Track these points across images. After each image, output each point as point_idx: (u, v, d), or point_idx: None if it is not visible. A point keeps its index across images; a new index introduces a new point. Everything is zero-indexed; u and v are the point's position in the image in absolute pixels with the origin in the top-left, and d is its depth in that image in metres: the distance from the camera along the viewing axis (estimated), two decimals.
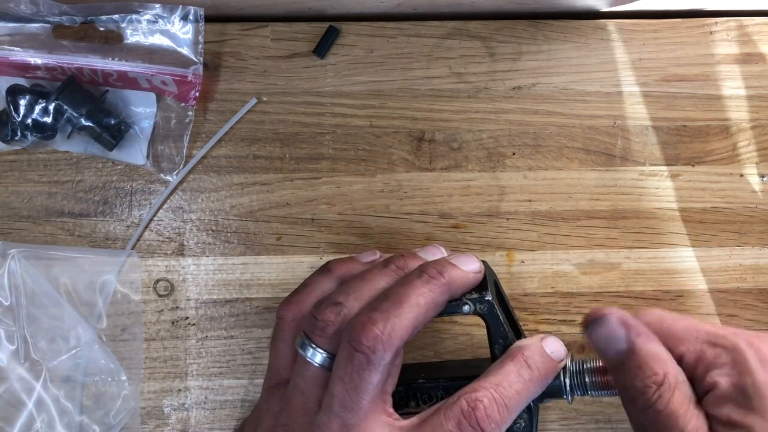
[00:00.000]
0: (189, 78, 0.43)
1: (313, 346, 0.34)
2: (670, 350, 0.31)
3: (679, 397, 0.29)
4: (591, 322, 0.32)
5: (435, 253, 0.37)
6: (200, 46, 0.43)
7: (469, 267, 0.34)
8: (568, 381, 0.33)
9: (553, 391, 0.34)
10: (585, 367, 0.33)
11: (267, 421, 0.36)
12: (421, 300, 0.32)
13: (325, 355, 0.33)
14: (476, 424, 0.30)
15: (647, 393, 0.29)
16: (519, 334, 0.36)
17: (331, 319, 0.33)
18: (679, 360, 0.31)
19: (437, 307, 0.33)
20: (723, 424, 0.29)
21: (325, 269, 0.38)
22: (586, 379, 0.33)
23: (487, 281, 0.35)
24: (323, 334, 0.33)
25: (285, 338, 0.36)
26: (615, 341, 0.31)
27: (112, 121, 0.43)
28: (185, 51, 0.43)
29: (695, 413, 0.29)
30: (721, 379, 0.30)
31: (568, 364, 0.34)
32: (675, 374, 0.30)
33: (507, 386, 0.31)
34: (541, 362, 0.33)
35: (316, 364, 0.33)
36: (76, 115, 0.42)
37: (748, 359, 0.29)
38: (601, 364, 0.33)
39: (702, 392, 0.30)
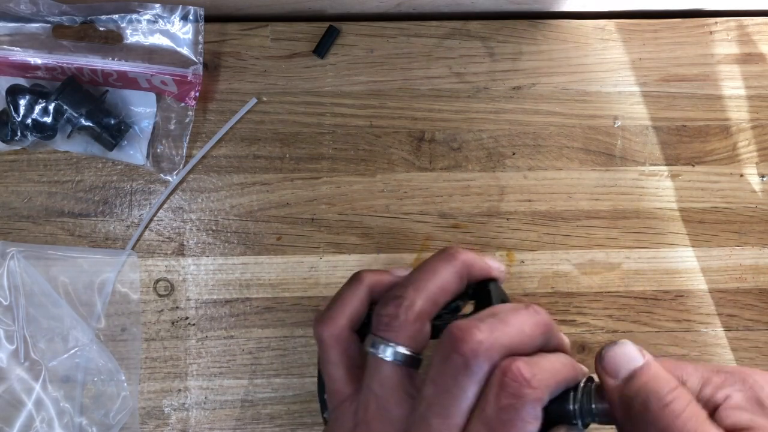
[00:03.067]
0: (189, 78, 0.43)
1: (383, 341, 0.33)
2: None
3: (694, 407, 0.29)
4: (607, 346, 0.31)
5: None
6: (200, 46, 0.43)
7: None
8: (577, 406, 0.32)
9: (562, 417, 0.32)
10: (594, 389, 0.32)
11: None
12: (526, 329, 0.32)
13: (396, 350, 0.32)
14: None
15: (664, 400, 0.29)
16: None
17: (393, 311, 0.33)
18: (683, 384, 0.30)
19: (535, 346, 0.33)
20: (742, 429, 0.28)
21: (354, 279, 0.37)
22: (594, 406, 0.32)
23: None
24: (389, 328, 0.33)
25: (331, 359, 0.35)
26: (631, 359, 0.30)
27: (112, 121, 0.43)
28: (185, 51, 0.43)
29: (712, 425, 0.29)
30: (734, 393, 0.29)
31: (581, 386, 0.32)
32: (687, 390, 0.30)
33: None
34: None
35: (389, 360, 0.32)
36: (76, 115, 0.42)
37: (758, 380, 0.29)
38: None
39: (711, 408, 0.30)
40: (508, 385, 0.30)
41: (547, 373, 0.31)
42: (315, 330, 0.36)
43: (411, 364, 0.33)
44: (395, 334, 0.33)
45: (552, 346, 0.33)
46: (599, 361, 0.31)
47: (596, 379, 0.32)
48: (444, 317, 0.34)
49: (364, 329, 0.35)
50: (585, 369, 0.33)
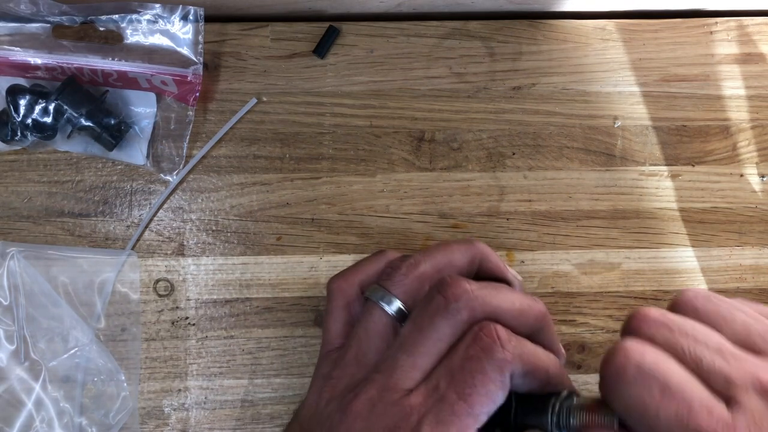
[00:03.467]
0: (189, 78, 0.43)
1: (380, 289, 0.33)
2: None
3: None
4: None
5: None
6: (200, 46, 0.43)
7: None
8: (555, 419, 0.30)
9: (538, 425, 0.31)
10: (574, 403, 0.30)
11: (316, 384, 0.34)
12: (517, 303, 0.32)
13: (390, 299, 0.33)
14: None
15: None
16: None
17: (398, 265, 0.34)
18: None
19: (524, 326, 0.32)
20: None
21: (378, 252, 0.38)
22: (572, 420, 0.30)
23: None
24: (389, 278, 0.34)
25: (332, 310, 0.36)
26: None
27: (112, 121, 0.43)
28: (185, 51, 0.43)
29: None
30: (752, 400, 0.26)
31: (563, 396, 0.31)
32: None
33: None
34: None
35: (380, 308, 0.33)
36: (76, 115, 0.42)
37: None
38: (592, 402, 0.30)
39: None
40: (481, 339, 0.30)
41: (526, 350, 0.30)
42: (328, 283, 0.37)
43: (400, 318, 0.33)
44: (393, 284, 0.34)
45: (544, 341, 0.33)
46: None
47: (579, 394, 0.31)
48: None
49: None
50: (570, 381, 0.32)
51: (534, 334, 0.32)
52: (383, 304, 0.33)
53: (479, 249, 0.36)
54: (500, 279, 0.36)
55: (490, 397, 0.29)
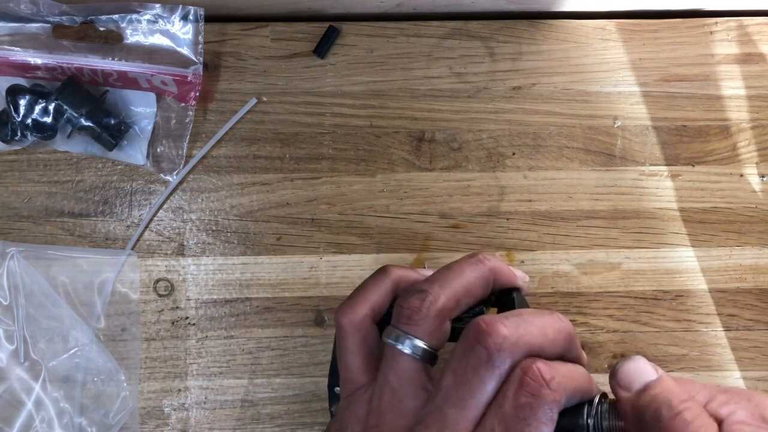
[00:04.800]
0: (189, 78, 0.43)
1: (402, 333, 0.33)
2: None
3: (705, 417, 0.29)
4: (621, 361, 0.31)
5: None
6: (200, 46, 0.43)
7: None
8: (591, 421, 0.31)
9: (573, 431, 0.32)
10: (606, 408, 0.32)
11: (353, 428, 0.34)
12: (549, 332, 0.32)
13: (415, 343, 0.33)
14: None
15: (675, 409, 0.29)
16: None
17: (416, 305, 0.33)
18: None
19: (556, 352, 0.32)
20: None
21: (381, 272, 0.37)
22: (605, 424, 0.31)
23: None
24: (410, 321, 0.33)
25: (349, 347, 0.35)
26: (644, 373, 0.31)
27: (112, 121, 0.43)
28: (185, 51, 0.43)
29: None
30: (739, 410, 0.29)
31: (595, 401, 0.32)
32: (698, 402, 0.30)
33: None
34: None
35: (407, 353, 0.33)
36: (76, 115, 0.42)
37: (763, 401, 0.29)
38: None
39: (716, 422, 0.30)
40: (527, 384, 0.30)
41: (566, 378, 0.31)
42: (336, 317, 0.36)
43: (428, 359, 0.33)
44: (416, 328, 0.33)
45: (571, 356, 0.33)
46: (613, 375, 0.31)
47: (610, 396, 0.32)
48: (465, 320, 0.34)
49: (385, 323, 0.35)
50: (597, 386, 0.33)
51: (563, 352, 0.33)
52: (408, 349, 0.33)
53: (491, 268, 0.36)
54: (512, 288, 0.37)
55: None
